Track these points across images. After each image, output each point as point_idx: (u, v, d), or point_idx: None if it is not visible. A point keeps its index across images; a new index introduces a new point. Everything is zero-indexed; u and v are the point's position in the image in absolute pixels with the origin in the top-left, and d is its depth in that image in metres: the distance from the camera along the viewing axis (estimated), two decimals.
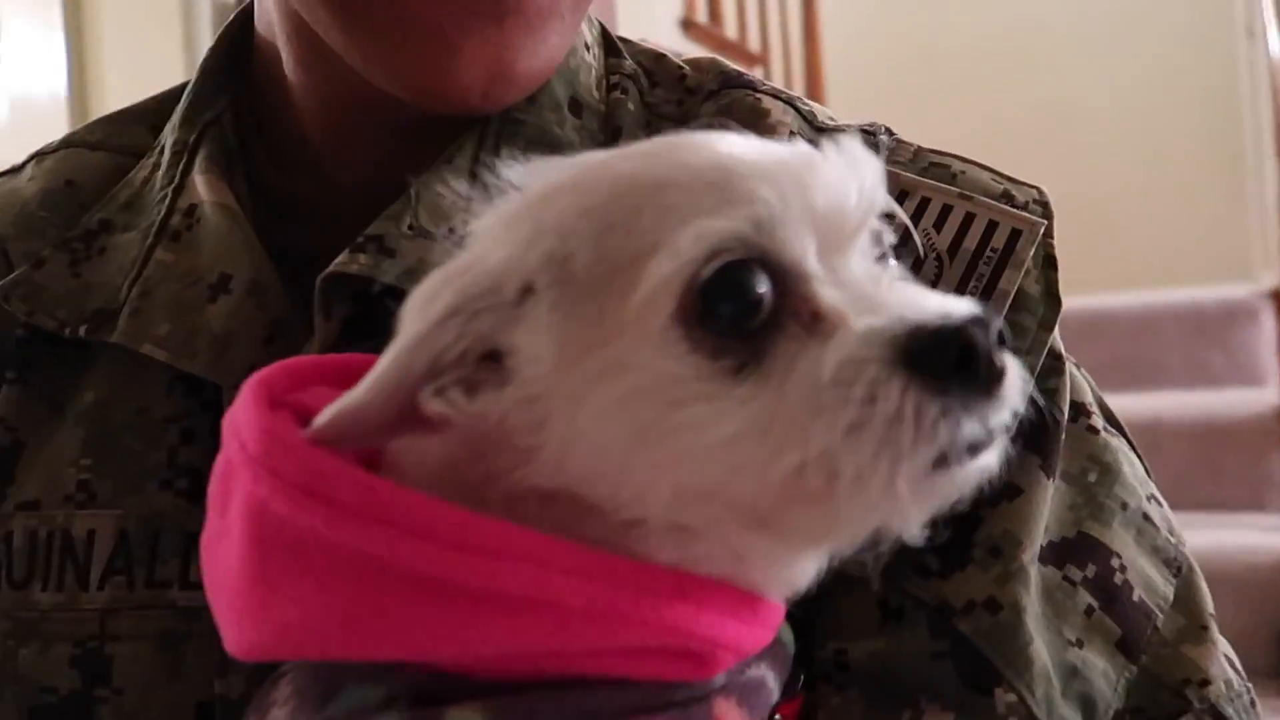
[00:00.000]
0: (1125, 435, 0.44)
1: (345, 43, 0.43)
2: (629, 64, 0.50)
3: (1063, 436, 0.40)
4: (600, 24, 0.51)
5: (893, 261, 0.32)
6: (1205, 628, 0.41)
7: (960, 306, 0.28)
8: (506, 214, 0.31)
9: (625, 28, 2.41)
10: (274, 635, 0.29)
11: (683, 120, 0.47)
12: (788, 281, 0.28)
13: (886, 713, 0.37)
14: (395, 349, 0.29)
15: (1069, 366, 0.42)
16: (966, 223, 0.40)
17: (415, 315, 0.29)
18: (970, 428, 0.27)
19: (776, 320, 0.28)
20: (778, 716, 0.33)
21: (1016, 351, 0.30)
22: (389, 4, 0.41)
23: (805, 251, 0.28)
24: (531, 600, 0.27)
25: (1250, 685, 0.41)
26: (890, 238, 0.32)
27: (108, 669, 0.43)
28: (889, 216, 0.32)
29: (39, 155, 0.54)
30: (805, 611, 0.35)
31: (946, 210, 0.40)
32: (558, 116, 0.46)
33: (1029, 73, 3.50)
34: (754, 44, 3.11)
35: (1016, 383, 0.28)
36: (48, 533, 0.44)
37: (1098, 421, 0.42)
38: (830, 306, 0.28)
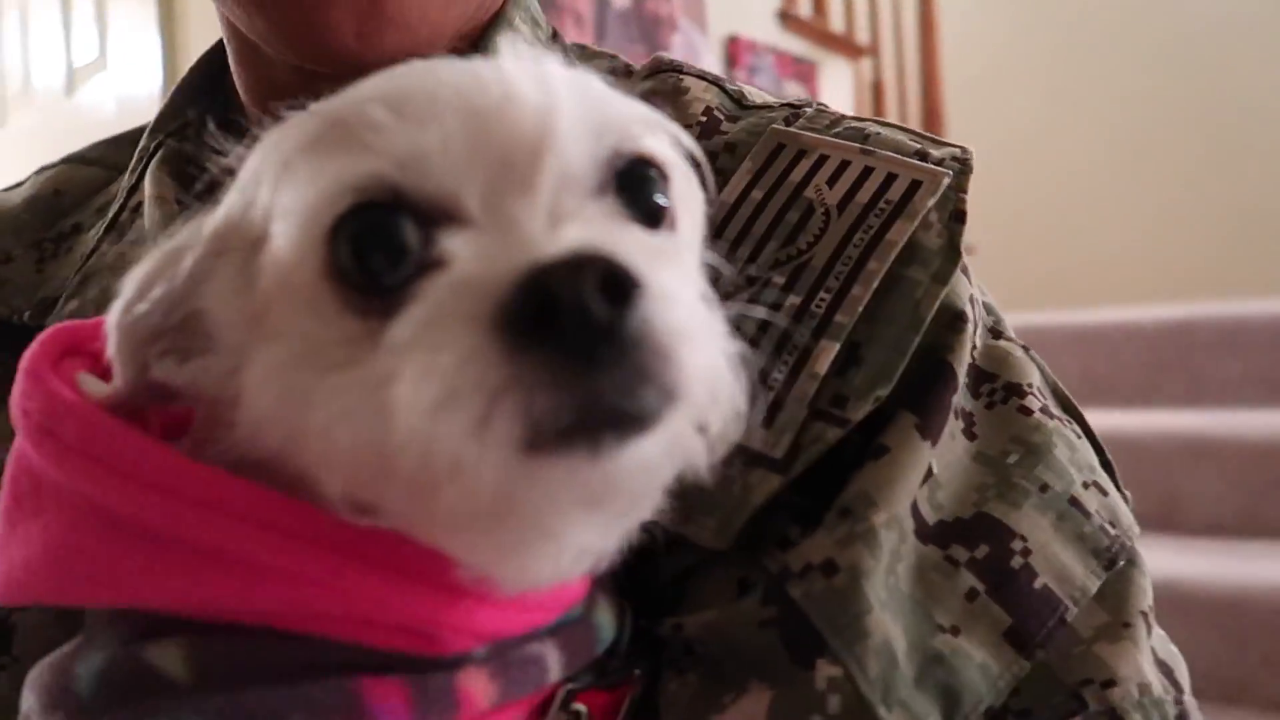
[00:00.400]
0: (1080, 422, 0.39)
1: (238, 14, 0.44)
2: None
3: (951, 398, 0.35)
4: (552, 28, 0.51)
5: (653, 188, 0.27)
6: (1129, 625, 0.35)
7: (571, 245, 0.22)
8: (244, 173, 0.28)
9: (716, 21, 2.34)
10: (4, 578, 0.29)
11: None
12: (437, 225, 0.24)
13: (714, 694, 0.32)
14: (119, 314, 0.28)
15: (989, 337, 0.39)
16: (863, 177, 0.37)
17: (134, 274, 0.29)
18: (545, 402, 0.21)
19: (430, 268, 0.24)
20: (580, 706, 0.30)
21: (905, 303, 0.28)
22: None
23: (459, 192, 0.24)
24: (229, 553, 0.26)
25: (1190, 700, 0.35)
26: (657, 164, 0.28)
27: (9, 638, 0.41)
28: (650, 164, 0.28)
29: (41, 169, 0.57)
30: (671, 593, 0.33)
31: (844, 166, 0.38)
32: None
33: (1174, 65, 3.24)
34: (863, 36, 2.98)
35: (664, 344, 0.22)
36: None
37: (1034, 403, 0.37)
38: (450, 254, 0.23)
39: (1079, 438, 0.38)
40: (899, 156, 0.38)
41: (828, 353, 0.33)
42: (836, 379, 0.34)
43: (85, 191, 0.54)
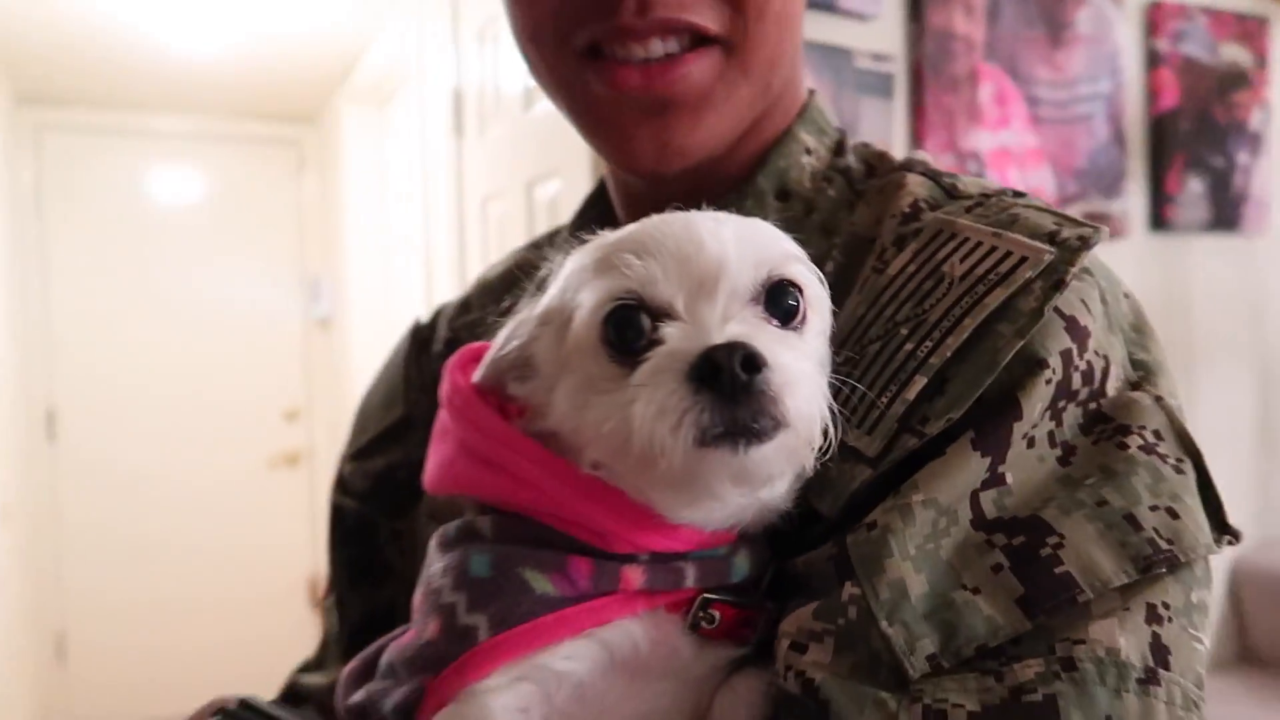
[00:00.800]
0: (1195, 461, 0.44)
1: (586, 139, 0.61)
2: (846, 160, 0.61)
3: (1013, 424, 0.43)
4: (841, 134, 0.64)
5: (798, 300, 0.44)
6: (1128, 609, 0.40)
7: (732, 335, 0.39)
8: (555, 275, 0.49)
9: None
10: (428, 476, 0.52)
11: (854, 200, 0.58)
12: (661, 313, 0.42)
13: (794, 605, 0.44)
14: (490, 353, 0.50)
15: (1125, 388, 0.46)
16: (988, 254, 0.46)
17: (501, 337, 0.50)
18: (718, 417, 0.39)
19: (656, 343, 0.41)
20: (715, 612, 0.45)
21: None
22: (597, 114, 0.57)
23: (677, 297, 0.42)
24: (521, 476, 0.46)
25: (1181, 687, 0.39)
26: (798, 284, 0.44)
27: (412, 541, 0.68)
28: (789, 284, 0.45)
29: (518, 249, 0.79)
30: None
31: (977, 245, 0.47)
32: (758, 203, 0.59)
33: None
34: None
35: (790, 386, 0.39)
36: None
37: (1134, 441, 0.43)
38: (666, 337, 0.41)
39: (1178, 473, 0.43)
40: (1020, 237, 0.46)
41: (917, 384, 0.44)
42: (925, 404, 0.44)
43: (530, 268, 0.67)
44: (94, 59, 3.39)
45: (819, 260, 0.49)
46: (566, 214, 0.80)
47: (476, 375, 0.49)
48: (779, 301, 0.43)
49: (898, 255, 0.49)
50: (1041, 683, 0.38)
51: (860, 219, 0.55)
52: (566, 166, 1.58)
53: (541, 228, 1.59)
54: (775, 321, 0.43)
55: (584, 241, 0.47)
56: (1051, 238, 0.46)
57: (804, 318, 0.44)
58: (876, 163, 0.60)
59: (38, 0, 2.82)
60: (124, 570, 3.81)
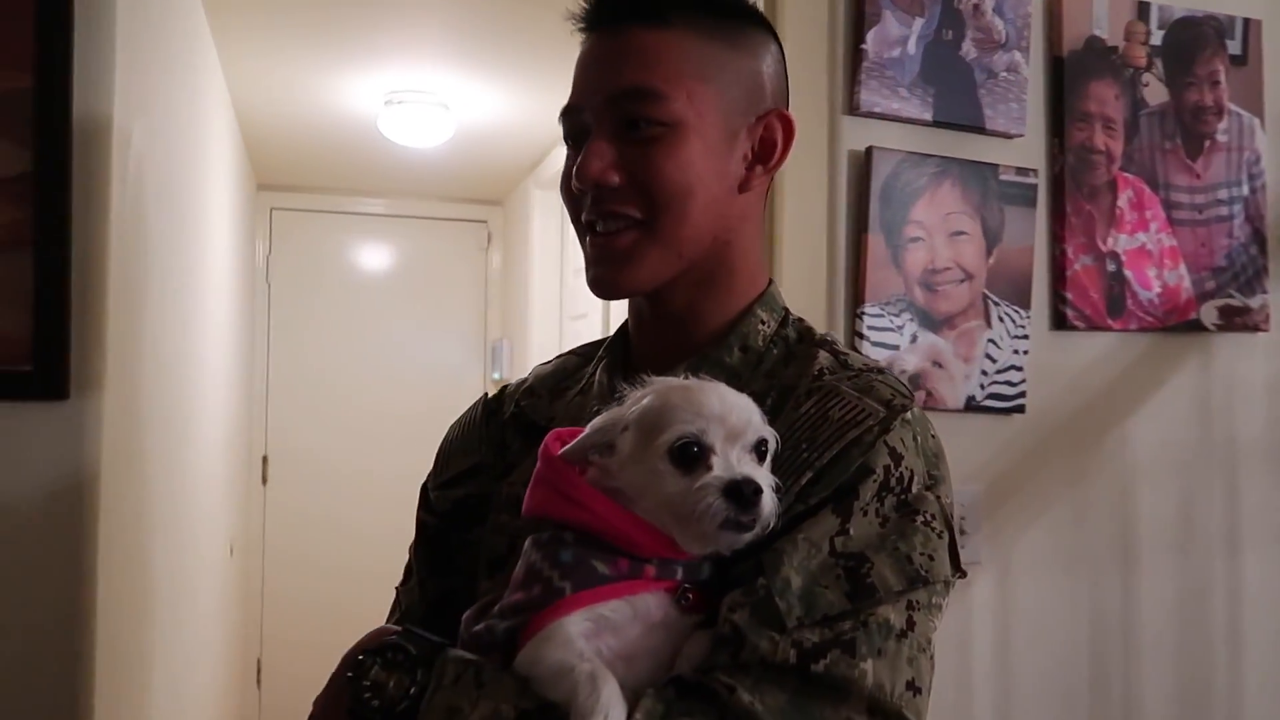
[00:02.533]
0: (952, 535, 0.76)
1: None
2: (787, 330, 0.90)
3: (855, 502, 0.73)
4: (785, 311, 0.92)
5: (767, 447, 0.73)
6: (898, 603, 0.71)
7: (748, 474, 0.69)
8: (630, 400, 0.75)
9: (1275, 99, 2.24)
10: (528, 504, 0.76)
11: (788, 357, 0.86)
12: (708, 450, 0.70)
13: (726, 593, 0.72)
14: (583, 436, 0.75)
15: (922, 487, 0.76)
16: (853, 409, 0.77)
17: (594, 424, 0.75)
18: (737, 515, 0.68)
19: (704, 461, 0.70)
20: (689, 592, 0.71)
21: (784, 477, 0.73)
22: (585, 264, 0.89)
23: (716, 443, 0.70)
24: (597, 514, 0.72)
25: (915, 640, 0.71)
26: (770, 442, 0.73)
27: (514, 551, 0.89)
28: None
29: (558, 355, 1.06)
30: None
31: (849, 402, 0.78)
32: (729, 352, 0.87)
33: None
34: None
35: (768, 506, 0.69)
36: None
37: (920, 519, 0.75)
38: (712, 464, 0.70)
39: (939, 538, 0.74)
40: (870, 401, 0.77)
41: (806, 476, 0.74)
42: (809, 488, 0.74)
43: (574, 369, 1.00)
44: (325, 152, 3.93)
45: (761, 396, 0.78)
46: None
47: (570, 448, 0.75)
48: (759, 447, 0.72)
49: (806, 401, 0.80)
50: (850, 631, 0.69)
51: (789, 374, 0.84)
52: None
53: None
54: (755, 458, 0.72)
55: (646, 381, 0.76)
56: (887, 404, 0.77)
57: (767, 455, 0.73)
58: (805, 333, 0.90)
59: (286, 99, 3.34)
60: (316, 605, 4.23)
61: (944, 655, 1.61)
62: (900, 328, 1.57)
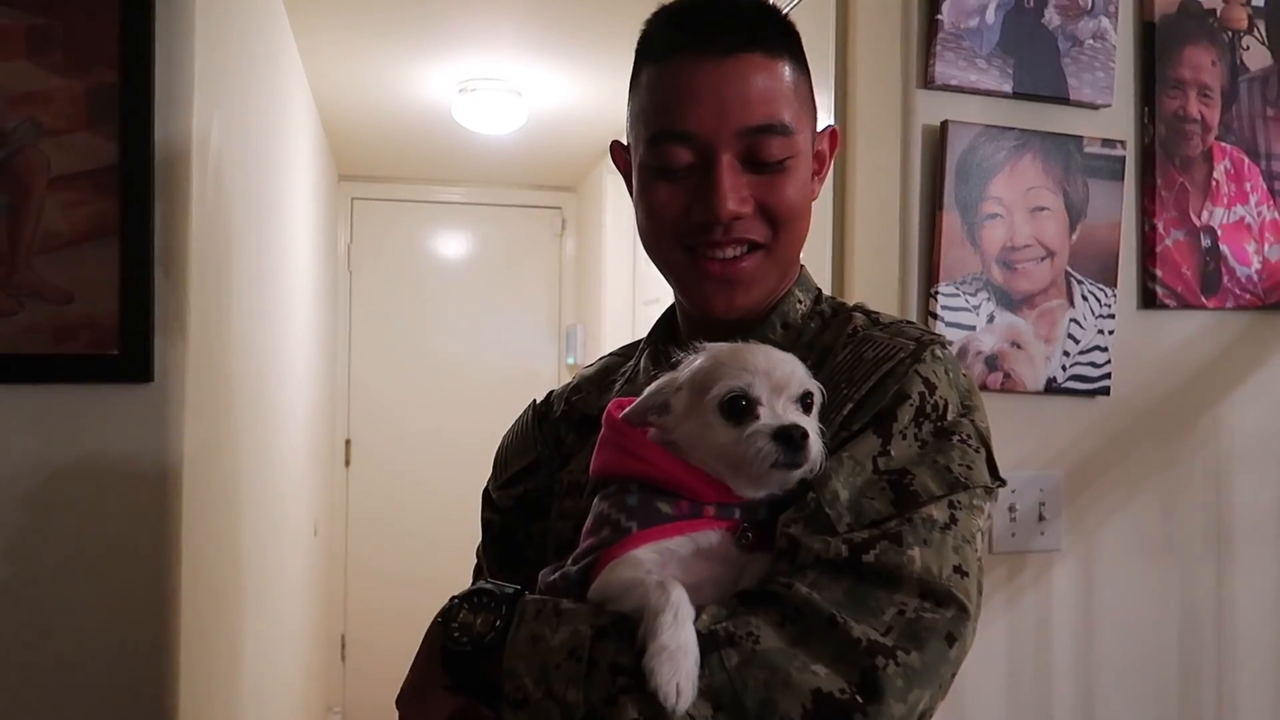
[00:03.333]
0: (989, 452, 0.81)
1: (678, 295, 0.97)
2: (821, 307, 0.95)
3: (893, 424, 0.78)
4: (818, 290, 0.97)
5: (812, 399, 0.78)
6: (940, 503, 0.75)
7: (795, 422, 0.73)
8: (683, 364, 0.80)
9: None
10: (595, 465, 0.82)
11: (824, 329, 0.91)
12: (755, 403, 0.75)
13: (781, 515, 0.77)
14: (641, 399, 0.80)
15: (959, 414, 0.81)
16: (884, 347, 0.83)
17: (651, 388, 0.80)
18: (787, 457, 0.73)
19: (751, 412, 0.74)
20: (748, 531, 0.76)
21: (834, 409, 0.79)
22: (692, 285, 0.91)
23: (763, 395, 0.75)
24: (657, 465, 0.77)
25: (958, 533, 0.74)
26: (814, 394, 0.78)
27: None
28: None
29: (601, 357, 1.11)
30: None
31: (880, 342, 0.84)
32: (773, 330, 0.92)
33: None
34: None
35: (815, 448, 0.73)
36: None
37: (956, 439, 0.79)
38: (760, 414, 0.74)
39: (976, 453, 0.79)
40: (900, 339, 0.83)
41: (846, 408, 0.80)
42: (851, 416, 0.79)
43: (615, 368, 1.06)
44: (403, 141, 4.00)
45: (803, 361, 0.82)
46: None
47: (630, 410, 0.80)
48: (804, 400, 0.77)
49: (842, 352, 0.85)
50: (897, 526, 0.73)
51: (828, 338, 0.89)
52: (811, 241, 1.81)
53: None
54: (801, 409, 0.77)
55: (696, 349, 0.81)
56: (917, 339, 0.83)
57: (813, 408, 0.77)
58: (838, 308, 0.94)
59: (364, 91, 3.41)
60: (397, 582, 4.34)
61: (1023, 643, 1.58)
62: (976, 307, 1.52)
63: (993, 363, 1.53)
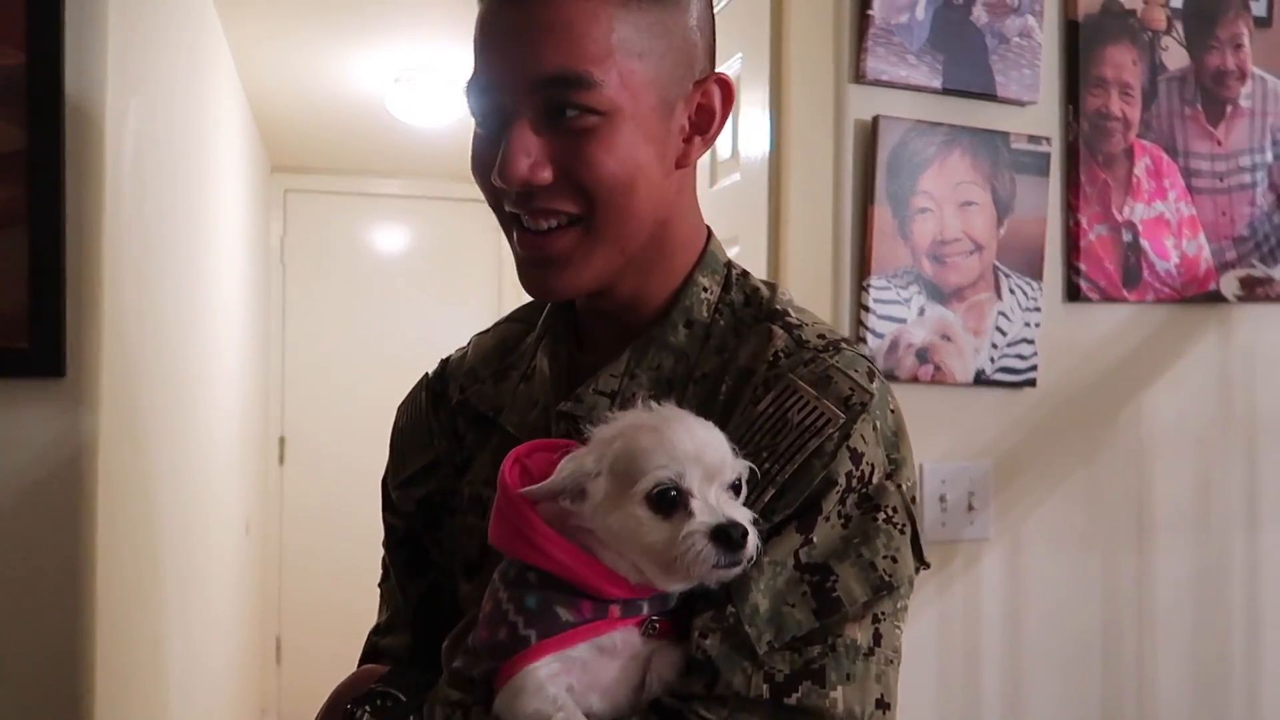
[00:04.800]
0: (914, 527, 0.74)
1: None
2: (731, 295, 0.83)
3: (818, 516, 0.71)
4: (728, 270, 0.85)
5: (739, 488, 0.70)
6: (864, 617, 0.70)
7: (733, 516, 0.67)
8: (598, 441, 0.71)
9: None
10: (492, 535, 0.73)
11: (738, 327, 0.81)
12: (686, 494, 0.67)
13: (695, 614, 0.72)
14: (551, 480, 0.70)
15: (883, 478, 0.74)
16: (811, 410, 0.73)
17: (563, 469, 0.70)
18: (725, 558, 0.66)
19: (683, 504, 0.67)
20: (655, 622, 0.70)
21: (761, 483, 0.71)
22: (515, 257, 0.80)
23: (694, 485, 0.67)
24: (556, 560, 0.69)
25: (882, 653, 0.70)
26: (742, 475, 0.70)
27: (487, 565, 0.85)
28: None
29: (497, 322, 0.99)
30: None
31: (806, 402, 0.74)
32: (674, 331, 0.81)
33: None
34: None
35: (752, 543, 0.67)
36: None
37: (881, 515, 0.72)
38: (694, 508, 0.67)
39: (901, 534, 0.72)
40: (828, 402, 0.73)
41: (770, 493, 0.72)
42: (772, 504, 0.71)
43: (514, 341, 0.93)
44: (337, 132, 3.92)
45: (716, 380, 0.78)
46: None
47: (536, 489, 0.70)
48: (735, 486, 0.70)
49: (765, 396, 0.75)
50: (820, 658, 0.68)
51: (744, 354, 0.79)
52: (746, 235, 1.82)
53: None
54: (732, 493, 0.70)
55: (609, 419, 0.73)
56: (846, 404, 0.73)
57: (741, 489, 0.71)
58: (752, 296, 0.84)
59: (296, 81, 3.33)
60: (334, 584, 4.25)
61: (953, 631, 1.60)
62: (907, 300, 1.54)
63: (923, 355, 1.55)
